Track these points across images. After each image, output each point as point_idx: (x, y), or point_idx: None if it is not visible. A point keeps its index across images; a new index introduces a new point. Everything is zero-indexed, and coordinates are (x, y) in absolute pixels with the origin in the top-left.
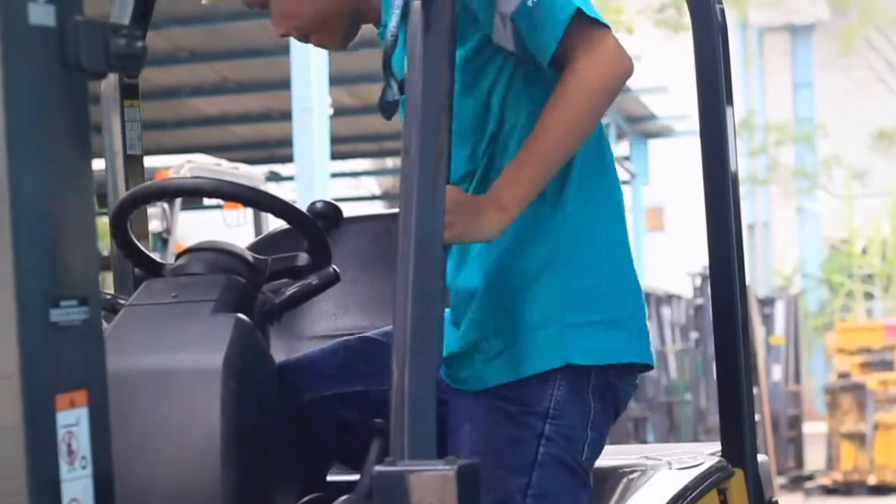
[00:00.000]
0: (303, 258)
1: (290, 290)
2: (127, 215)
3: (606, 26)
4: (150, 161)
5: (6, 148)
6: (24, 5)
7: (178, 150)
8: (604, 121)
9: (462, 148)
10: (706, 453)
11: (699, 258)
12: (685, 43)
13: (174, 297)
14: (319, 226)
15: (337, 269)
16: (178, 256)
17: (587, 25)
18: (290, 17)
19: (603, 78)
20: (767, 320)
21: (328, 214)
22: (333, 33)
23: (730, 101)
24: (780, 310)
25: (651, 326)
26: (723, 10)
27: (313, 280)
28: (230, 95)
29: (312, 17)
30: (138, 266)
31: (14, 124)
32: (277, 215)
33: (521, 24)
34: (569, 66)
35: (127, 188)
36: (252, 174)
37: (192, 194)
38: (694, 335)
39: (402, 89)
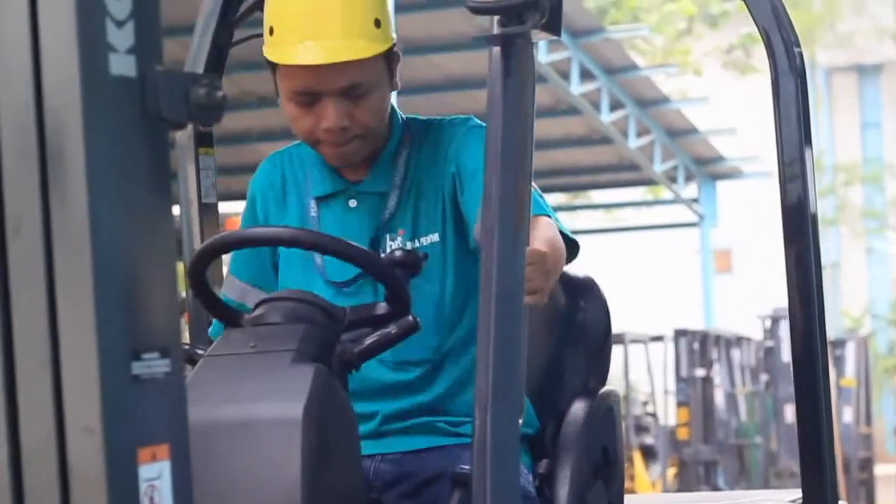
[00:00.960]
0: (381, 307)
1: (369, 340)
2: (205, 265)
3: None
4: (220, 207)
5: (87, 199)
6: (106, 55)
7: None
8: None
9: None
10: (787, 501)
11: (768, 300)
12: (753, 84)
13: (253, 348)
14: (398, 274)
15: (417, 318)
16: (256, 306)
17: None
18: (376, 113)
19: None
20: (838, 362)
21: (407, 263)
22: (373, 145)
23: (808, 142)
24: (850, 351)
25: (721, 369)
26: (801, 53)
27: (392, 329)
28: (297, 140)
29: (384, 121)
30: (216, 316)
31: (95, 175)
32: (356, 263)
33: None
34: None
35: (202, 237)
36: None
37: (272, 243)
38: (764, 377)
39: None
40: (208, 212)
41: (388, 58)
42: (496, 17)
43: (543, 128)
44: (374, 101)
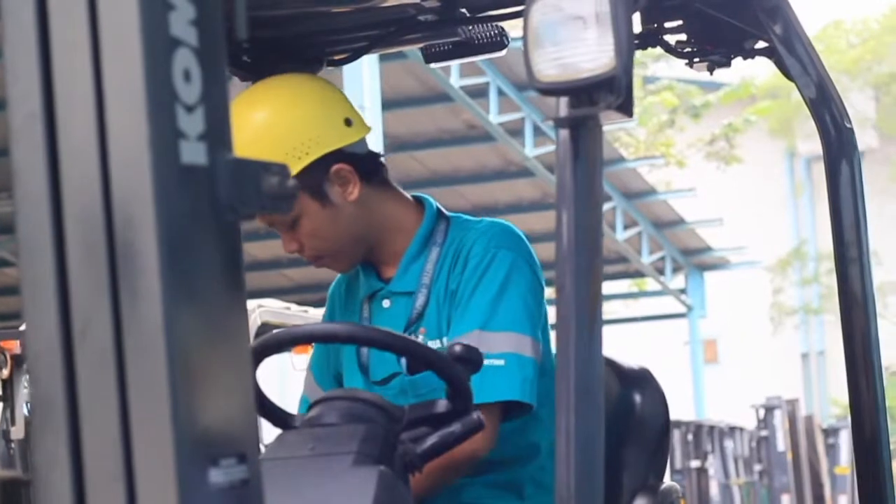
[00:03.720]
0: (442, 404)
1: (431, 439)
2: (257, 364)
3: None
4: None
5: (160, 297)
6: (176, 143)
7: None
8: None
9: None
10: None
11: (754, 389)
12: (737, 175)
13: (311, 450)
14: (460, 371)
15: (481, 416)
16: (310, 406)
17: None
18: (318, 237)
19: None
20: (831, 450)
21: (468, 358)
22: (346, 260)
23: (865, 222)
24: (843, 439)
25: (714, 459)
26: (852, 129)
27: (456, 428)
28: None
29: (339, 240)
30: (266, 418)
31: (167, 271)
32: (414, 359)
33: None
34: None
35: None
36: (319, 316)
37: (328, 340)
38: (758, 467)
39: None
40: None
41: (305, 179)
42: (564, 100)
43: (530, 221)
44: (309, 226)
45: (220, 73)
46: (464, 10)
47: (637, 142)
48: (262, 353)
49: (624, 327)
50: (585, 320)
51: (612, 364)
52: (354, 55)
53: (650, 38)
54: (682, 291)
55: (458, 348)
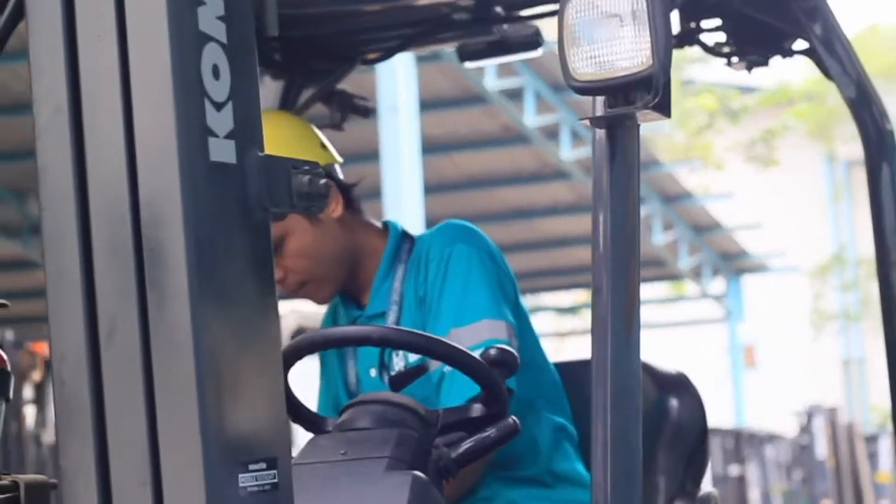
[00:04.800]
0: (477, 409)
1: (466, 444)
2: (288, 367)
3: None
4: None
5: (188, 298)
6: (205, 141)
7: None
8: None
9: None
10: None
11: (793, 395)
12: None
13: (343, 455)
14: (495, 374)
15: (517, 420)
16: (342, 410)
17: None
18: (304, 256)
19: None
20: (872, 458)
21: (504, 361)
22: (327, 286)
23: None
24: (884, 447)
25: (753, 466)
26: (892, 132)
27: (491, 432)
28: None
29: (324, 260)
30: (297, 421)
31: (195, 271)
32: (450, 363)
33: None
34: None
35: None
36: None
37: (361, 343)
38: (799, 474)
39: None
40: None
41: None
42: (601, 99)
43: (565, 224)
44: (295, 246)
45: (250, 70)
46: (498, 10)
47: (675, 145)
48: (294, 355)
49: (662, 332)
50: (622, 323)
51: (648, 369)
52: (388, 54)
53: (688, 37)
54: (721, 296)
55: (493, 352)
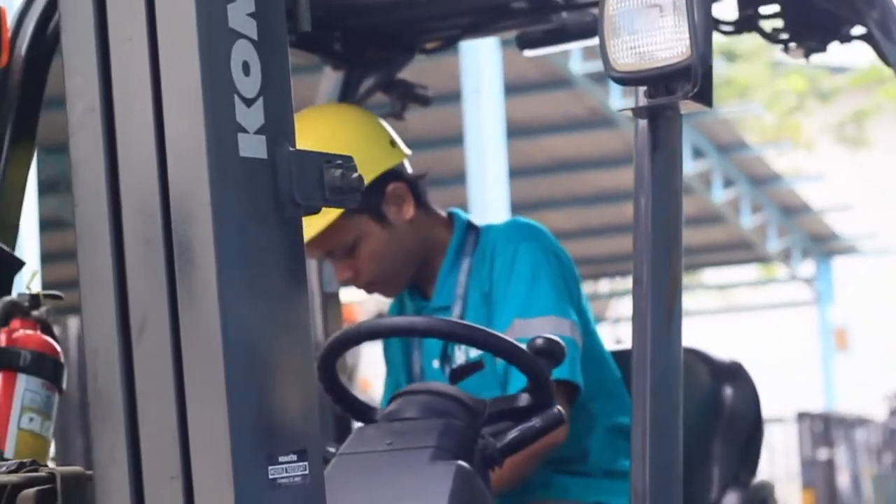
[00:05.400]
0: (524, 398)
1: (511, 434)
2: (336, 357)
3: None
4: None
5: (218, 293)
6: (234, 136)
7: None
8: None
9: None
10: None
11: (887, 379)
12: (867, 160)
13: (389, 445)
14: (541, 364)
15: (562, 411)
16: (390, 400)
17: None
18: (376, 259)
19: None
20: None
21: (550, 351)
22: (397, 283)
23: None
24: None
25: (842, 450)
26: None
27: (536, 422)
28: None
29: (395, 261)
30: (347, 411)
31: (225, 266)
32: (496, 353)
33: None
34: None
35: (324, 327)
36: None
37: (407, 334)
38: (889, 458)
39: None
40: (331, 301)
41: (369, 199)
42: (642, 89)
43: None
44: (368, 250)
45: (282, 66)
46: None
47: (764, 127)
48: (342, 345)
49: (752, 315)
50: (663, 314)
51: (703, 357)
52: (447, 43)
53: (746, 23)
54: (811, 279)
55: (539, 342)
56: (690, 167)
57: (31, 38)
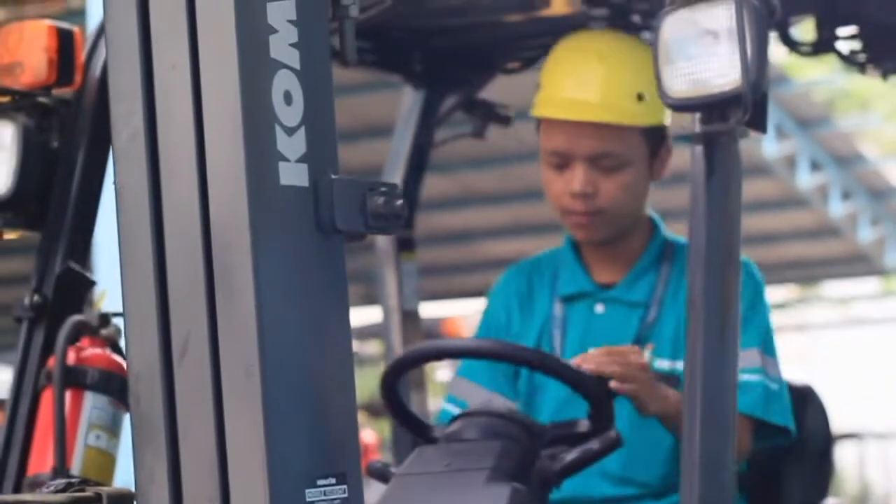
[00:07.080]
0: (584, 424)
1: (569, 456)
2: (399, 376)
3: None
4: (440, 308)
5: (257, 318)
6: (275, 165)
7: (473, 293)
8: None
9: None
10: None
11: None
12: None
13: (447, 466)
14: (602, 387)
15: (619, 433)
16: (451, 421)
17: None
18: (626, 191)
19: None
20: None
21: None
22: (610, 229)
23: None
24: None
25: None
26: None
27: (594, 445)
28: (524, 237)
29: (632, 205)
30: (409, 430)
31: (265, 293)
32: (557, 376)
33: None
34: None
35: (403, 344)
36: None
37: (472, 355)
38: None
39: None
40: (410, 319)
41: (650, 138)
42: (697, 115)
43: (773, 221)
44: (624, 178)
45: (325, 95)
46: (635, 18)
47: (885, 139)
48: (404, 366)
49: (871, 328)
50: (716, 339)
51: None
52: (527, 63)
53: (824, 45)
54: None
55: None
56: (808, 180)
57: (104, 62)
